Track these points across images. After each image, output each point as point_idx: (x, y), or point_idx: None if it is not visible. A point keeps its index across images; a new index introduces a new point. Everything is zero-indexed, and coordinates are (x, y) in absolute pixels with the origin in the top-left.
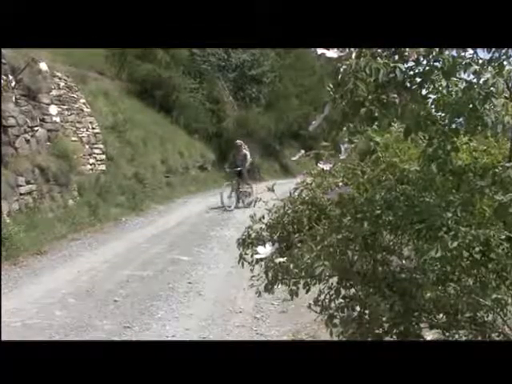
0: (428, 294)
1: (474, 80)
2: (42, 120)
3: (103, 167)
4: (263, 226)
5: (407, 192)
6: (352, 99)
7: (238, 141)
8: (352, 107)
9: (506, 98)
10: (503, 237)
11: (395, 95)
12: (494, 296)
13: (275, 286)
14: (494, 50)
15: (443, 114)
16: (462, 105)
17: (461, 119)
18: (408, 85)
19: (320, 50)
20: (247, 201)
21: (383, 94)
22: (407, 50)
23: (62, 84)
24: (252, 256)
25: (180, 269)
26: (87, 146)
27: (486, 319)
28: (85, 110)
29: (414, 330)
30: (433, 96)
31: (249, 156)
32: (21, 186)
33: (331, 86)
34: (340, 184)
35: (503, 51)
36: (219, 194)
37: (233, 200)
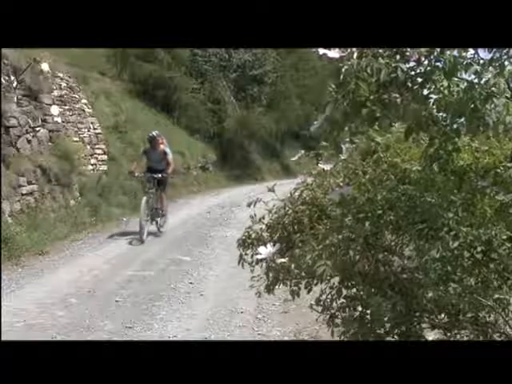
0: (429, 294)
1: (475, 80)
2: (44, 120)
3: (105, 167)
4: (263, 227)
5: (409, 192)
6: (354, 99)
7: (153, 132)
8: (354, 107)
9: (507, 98)
10: (505, 237)
11: (397, 95)
12: (495, 296)
13: (276, 287)
14: (494, 50)
15: (445, 115)
16: (463, 105)
17: (462, 119)
18: (409, 85)
19: (322, 51)
20: (161, 223)
21: (385, 94)
22: (409, 50)
23: (63, 84)
24: (252, 257)
25: (181, 269)
26: (89, 147)
27: (487, 319)
28: (86, 110)
29: (416, 330)
30: (434, 96)
31: (171, 155)
32: (22, 186)
33: (333, 86)
34: (341, 184)
35: (504, 51)
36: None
37: (147, 224)
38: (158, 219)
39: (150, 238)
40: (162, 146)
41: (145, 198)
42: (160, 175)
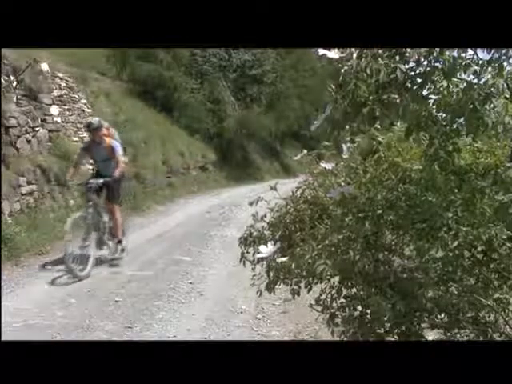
0: (430, 294)
1: (475, 80)
2: (43, 120)
3: None
4: (265, 225)
5: (409, 191)
6: (353, 99)
7: (93, 119)
8: (353, 107)
9: (506, 98)
10: (505, 237)
11: (396, 96)
12: (495, 296)
13: (276, 286)
14: (493, 50)
15: (444, 115)
16: (462, 105)
17: (462, 119)
18: (409, 85)
19: (321, 51)
20: (116, 247)
21: (384, 94)
22: (408, 50)
23: (63, 84)
24: (254, 255)
25: (181, 269)
26: None
27: (487, 319)
28: (86, 110)
29: (416, 330)
30: (434, 96)
31: (121, 151)
32: (22, 186)
33: (332, 86)
34: (342, 184)
35: (503, 51)
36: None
37: (89, 251)
38: (110, 243)
39: (149, 238)
40: (107, 140)
41: (71, 219)
42: (101, 181)
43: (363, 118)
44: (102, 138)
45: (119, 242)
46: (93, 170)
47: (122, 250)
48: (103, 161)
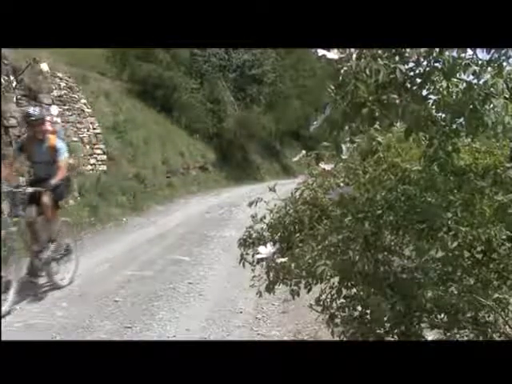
0: (429, 294)
1: (474, 81)
2: None
3: (104, 167)
4: (264, 226)
5: (408, 192)
6: (353, 100)
7: (32, 109)
8: (353, 108)
9: (505, 98)
10: (504, 237)
11: (396, 96)
12: (495, 296)
13: (276, 287)
14: (493, 50)
15: (444, 115)
16: (462, 105)
17: (461, 120)
18: (408, 86)
19: (321, 52)
20: (65, 271)
21: (384, 94)
22: (407, 50)
23: (62, 84)
24: (253, 256)
25: (181, 269)
26: (88, 147)
27: (487, 319)
28: (86, 110)
29: (416, 330)
30: (433, 97)
31: (65, 154)
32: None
33: (332, 87)
34: (341, 184)
35: (503, 52)
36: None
37: (9, 282)
38: (56, 264)
39: (149, 238)
40: (52, 138)
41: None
42: (31, 190)
43: (363, 119)
44: (44, 135)
45: (52, 241)
46: (29, 172)
47: (70, 268)
48: (44, 163)
